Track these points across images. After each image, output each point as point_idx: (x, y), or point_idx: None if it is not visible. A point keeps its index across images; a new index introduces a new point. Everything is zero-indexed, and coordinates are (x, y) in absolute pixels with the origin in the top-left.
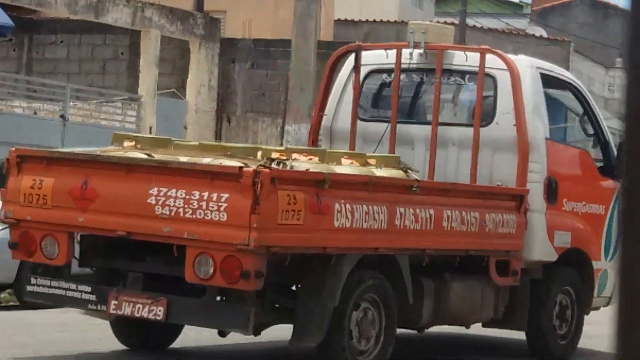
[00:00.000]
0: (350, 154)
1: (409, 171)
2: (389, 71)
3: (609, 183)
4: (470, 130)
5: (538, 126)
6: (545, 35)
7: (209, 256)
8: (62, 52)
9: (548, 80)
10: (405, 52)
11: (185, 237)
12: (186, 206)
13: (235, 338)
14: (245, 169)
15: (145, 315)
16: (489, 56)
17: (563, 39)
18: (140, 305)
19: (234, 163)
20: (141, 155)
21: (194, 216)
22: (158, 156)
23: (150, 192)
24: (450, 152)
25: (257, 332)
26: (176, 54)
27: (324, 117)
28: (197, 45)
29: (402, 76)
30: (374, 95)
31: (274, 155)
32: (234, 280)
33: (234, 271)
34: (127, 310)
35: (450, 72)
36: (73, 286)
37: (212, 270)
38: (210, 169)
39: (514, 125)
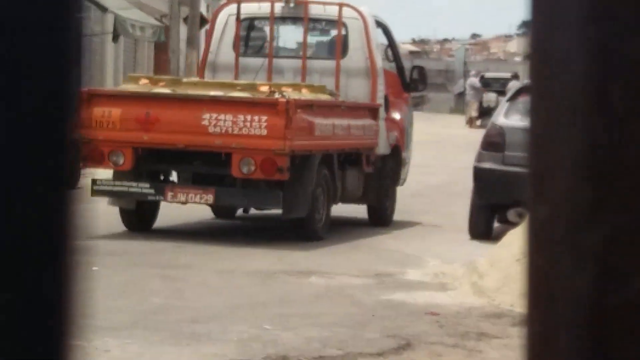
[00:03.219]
0: (306, 86)
1: (334, 95)
2: (260, 18)
3: (405, 95)
4: (330, 62)
5: (379, 58)
6: None
7: (251, 158)
8: None
9: (378, 24)
10: (277, 5)
11: (233, 146)
12: (234, 126)
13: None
14: (280, 99)
15: (197, 200)
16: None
17: None
18: (193, 194)
19: (247, 95)
20: (167, 91)
21: (241, 132)
22: (181, 91)
23: (203, 116)
24: (314, 79)
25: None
26: None
27: (209, 54)
28: None
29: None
30: (247, 36)
31: (264, 88)
32: (271, 174)
33: (271, 168)
34: (182, 198)
35: (313, 20)
36: (134, 184)
37: (253, 168)
38: (253, 100)
39: (367, 58)
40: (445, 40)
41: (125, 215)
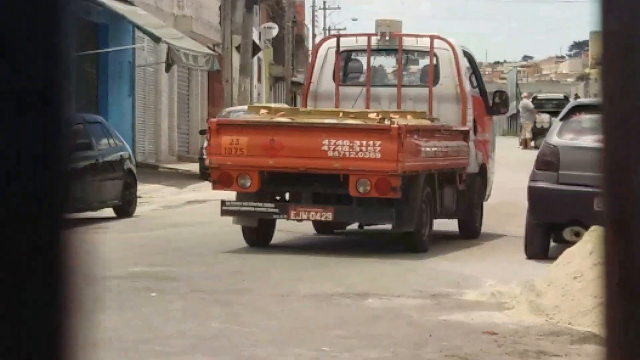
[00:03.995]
0: (410, 112)
1: (435, 120)
2: (358, 50)
3: (488, 118)
4: (422, 89)
5: (467, 85)
6: None
7: (367, 179)
8: None
9: (464, 53)
10: (373, 38)
11: (350, 169)
12: (350, 150)
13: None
14: (392, 125)
15: (318, 218)
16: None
17: None
18: (314, 213)
19: (361, 122)
20: (286, 119)
21: (357, 155)
22: (300, 120)
23: (323, 142)
24: (407, 105)
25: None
26: None
27: (311, 84)
28: None
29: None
30: (345, 67)
31: (373, 115)
32: (385, 193)
33: (386, 187)
34: (304, 216)
35: (405, 51)
36: (260, 204)
37: (369, 188)
38: (368, 127)
39: (457, 85)
40: (497, 63)
41: (248, 232)
